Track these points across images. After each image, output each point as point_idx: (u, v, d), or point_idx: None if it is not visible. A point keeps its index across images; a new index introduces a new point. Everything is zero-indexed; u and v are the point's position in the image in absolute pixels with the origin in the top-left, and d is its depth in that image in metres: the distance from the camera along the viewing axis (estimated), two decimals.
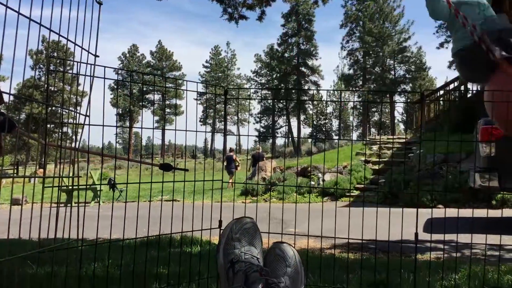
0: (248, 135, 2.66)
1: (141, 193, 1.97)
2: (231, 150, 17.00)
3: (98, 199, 11.54)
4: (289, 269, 1.63)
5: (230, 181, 14.48)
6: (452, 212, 2.60)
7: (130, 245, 3.95)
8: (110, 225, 1.89)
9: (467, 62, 2.41)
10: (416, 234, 2.25)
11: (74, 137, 1.86)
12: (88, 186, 9.99)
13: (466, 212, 2.64)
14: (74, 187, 1.79)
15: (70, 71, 2.10)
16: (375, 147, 15.67)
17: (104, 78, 2.01)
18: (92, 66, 1.79)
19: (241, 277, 1.51)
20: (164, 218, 2.17)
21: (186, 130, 2.30)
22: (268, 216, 2.20)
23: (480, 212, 2.81)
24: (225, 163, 15.80)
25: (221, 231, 1.94)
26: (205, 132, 2.52)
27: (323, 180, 12.60)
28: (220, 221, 2.59)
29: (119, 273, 2.46)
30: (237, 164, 16.32)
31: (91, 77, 1.80)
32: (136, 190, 2.41)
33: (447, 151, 9.57)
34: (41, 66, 43.44)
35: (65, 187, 2.00)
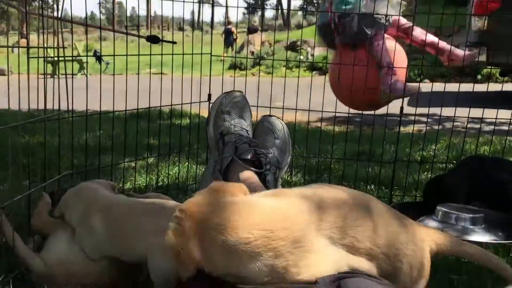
0: (237, 7, 2.57)
1: (128, 66, 1.94)
2: (229, 23, 16.89)
3: (85, 71, 11.39)
4: (277, 140, 1.68)
5: (232, 53, 14.68)
6: (438, 86, 2.63)
7: (119, 117, 3.99)
8: (99, 97, 1.89)
9: (321, 35, 2.90)
10: (401, 108, 2.30)
11: (55, 5, 1.78)
12: (74, 58, 9.81)
13: (452, 87, 2.67)
14: (60, 58, 1.76)
15: None
16: None
17: None
18: None
19: (231, 148, 1.56)
20: (153, 91, 2.17)
21: (172, 0, 2.21)
22: (256, 90, 2.22)
23: (466, 87, 2.84)
24: (223, 36, 15.97)
25: (211, 104, 1.97)
26: (193, 2, 2.43)
27: (312, 55, 12.48)
28: (209, 95, 2.60)
29: (111, 143, 2.53)
30: (235, 37, 16.42)
31: None
32: (122, 62, 2.36)
33: (440, 24, 9.36)
34: None
35: (50, 58, 1.96)
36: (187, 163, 2.69)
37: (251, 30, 15.88)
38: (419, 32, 2.84)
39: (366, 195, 1.15)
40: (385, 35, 2.81)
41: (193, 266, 0.95)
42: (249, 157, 1.55)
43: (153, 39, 2.27)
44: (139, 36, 2.38)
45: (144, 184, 2.42)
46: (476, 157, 2.31)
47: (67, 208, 1.49)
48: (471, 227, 1.85)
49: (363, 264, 0.98)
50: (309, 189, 1.11)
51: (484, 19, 5.63)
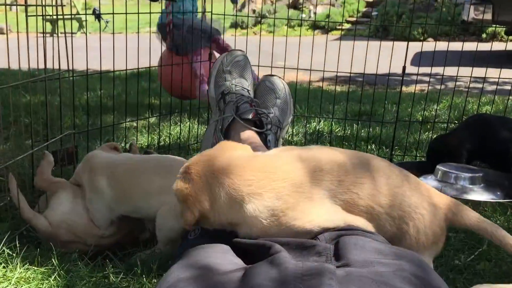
0: None
1: (128, 25, 1.92)
2: None
3: (84, 29, 11.23)
4: (278, 100, 1.68)
5: (234, 10, 14.52)
6: (442, 45, 2.60)
7: (120, 77, 3.98)
8: (99, 56, 1.88)
9: (159, 31, 3.20)
10: (404, 67, 2.28)
11: None
12: (73, 16, 9.65)
13: (456, 46, 2.64)
14: (59, 17, 1.74)
15: None
16: None
17: None
18: None
19: (232, 108, 1.56)
20: (153, 50, 2.15)
21: None
22: (258, 50, 2.19)
23: (470, 46, 2.81)
24: None
25: (212, 63, 1.95)
26: None
27: (315, 13, 12.26)
28: (210, 54, 2.58)
29: (112, 103, 2.52)
30: None
31: None
32: (122, 21, 2.32)
33: None
34: None
35: (49, 16, 1.93)
36: (188, 123, 2.70)
37: None
38: None
39: (375, 157, 1.13)
40: (204, 51, 3.02)
41: (198, 211, 1.00)
42: (250, 116, 1.55)
43: None
44: None
45: (146, 143, 2.43)
46: (479, 116, 2.30)
47: (79, 177, 1.53)
48: (470, 186, 1.87)
49: (359, 222, 0.99)
50: (309, 150, 1.11)
51: None
